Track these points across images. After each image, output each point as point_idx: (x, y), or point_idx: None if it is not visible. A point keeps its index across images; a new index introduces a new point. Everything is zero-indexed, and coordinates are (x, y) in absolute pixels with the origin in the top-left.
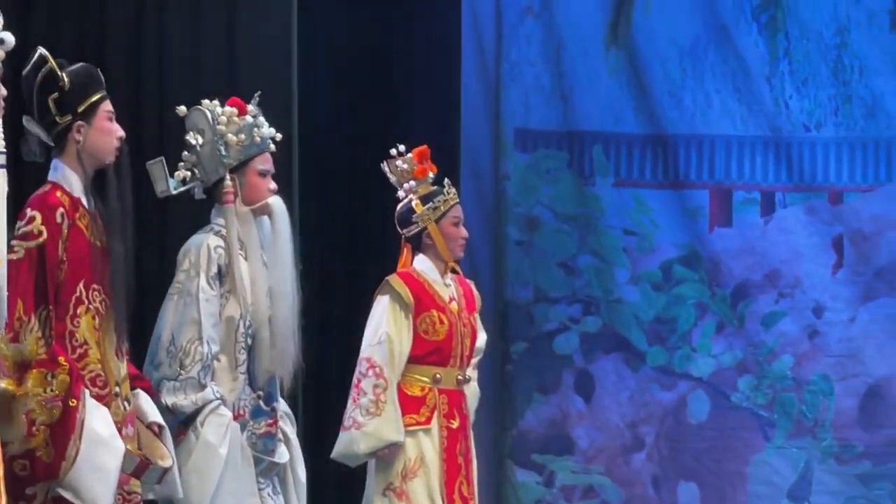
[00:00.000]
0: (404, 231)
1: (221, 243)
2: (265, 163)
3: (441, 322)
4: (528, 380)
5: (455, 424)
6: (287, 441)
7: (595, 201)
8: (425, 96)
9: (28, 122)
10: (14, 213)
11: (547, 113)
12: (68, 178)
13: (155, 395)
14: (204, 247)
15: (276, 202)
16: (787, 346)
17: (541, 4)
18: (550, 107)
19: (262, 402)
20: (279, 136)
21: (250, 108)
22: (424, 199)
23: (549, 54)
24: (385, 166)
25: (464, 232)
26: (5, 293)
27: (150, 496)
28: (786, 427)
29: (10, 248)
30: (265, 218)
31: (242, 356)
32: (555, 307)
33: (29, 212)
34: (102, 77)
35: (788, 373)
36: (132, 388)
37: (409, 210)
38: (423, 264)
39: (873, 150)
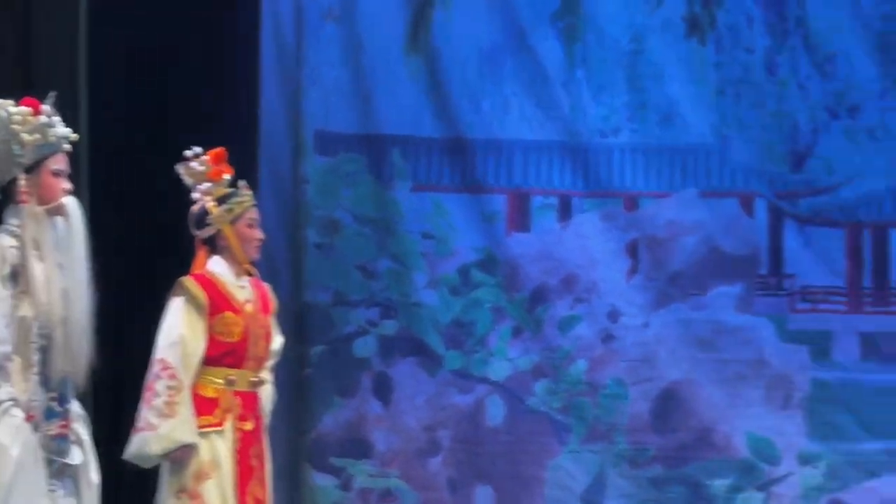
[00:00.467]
0: (199, 233)
1: (15, 243)
2: (60, 163)
3: (236, 324)
4: (327, 383)
5: (249, 427)
6: (80, 442)
7: (394, 205)
8: (224, 98)
9: None
10: None
11: (347, 116)
12: None
13: None
14: None
15: (71, 202)
16: (583, 351)
17: (341, 7)
18: (350, 110)
19: (55, 404)
20: (75, 136)
21: (45, 107)
22: (220, 201)
23: (350, 57)
24: (180, 168)
25: (259, 234)
26: None
27: None
28: (580, 431)
29: None
30: (59, 218)
31: (36, 357)
32: (353, 310)
33: None
34: None
35: (583, 377)
36: None
37: (204, 212)
38: (218, 266)
39: (668, 157)
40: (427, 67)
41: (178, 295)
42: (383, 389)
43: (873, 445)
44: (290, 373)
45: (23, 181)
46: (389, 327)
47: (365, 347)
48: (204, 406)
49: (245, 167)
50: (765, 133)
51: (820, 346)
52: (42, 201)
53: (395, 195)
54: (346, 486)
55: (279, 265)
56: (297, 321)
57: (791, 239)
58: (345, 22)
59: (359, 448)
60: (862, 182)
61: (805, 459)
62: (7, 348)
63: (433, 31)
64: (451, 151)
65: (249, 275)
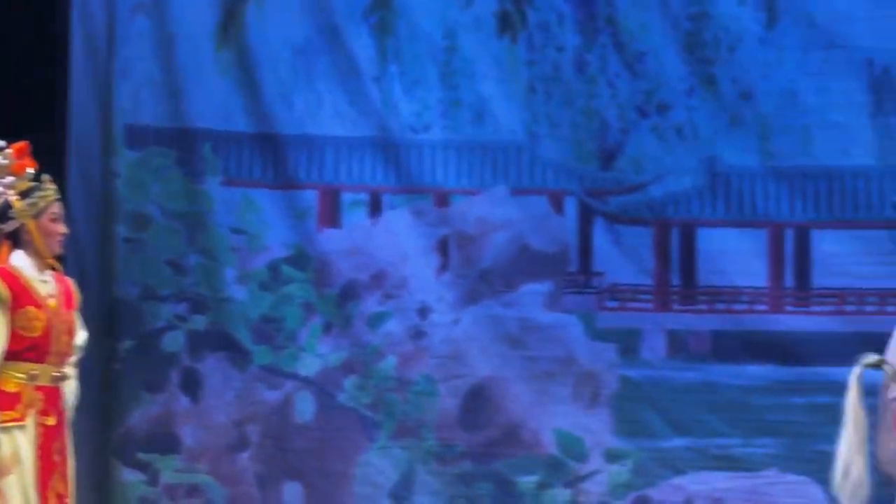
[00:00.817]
0: (2, 227)
1: None
2: None
3: (38, 319)
4: (135, 378)
5: (51, 422)
6: None
7: (204, 200)
8: (31, 91)
9: None
10: None
11: (157, 110)
12: None
13: None
14: None
15: None
16: (393, 347)
17: (153, 0)
18: (161, 104)
19: None
20: None
21: None
22: (23, 195)
23: (161, 51)
24: None
25: (62, 228)
26: None
27: None
28: (390, 427)
29: None
30: None
31: None
32: (163, 305)
33: None
34: None
35: (393, 373)
36: None
37: (7, 206)
38: (20, 260)
39: (479, 154)
40: (239, 62)
41: None
42: (192, 384)
43: (679, 442)
44: (99, 367)
45: None
46: (199, 322)
47: (174, 342)
48: (5, 401)
49: (54, 161)
50: (575, 131)
51: (628, 343)
52: None
53: (206, 190)
54: (153, 482)
55: (88, 259)
56: (106, 316)
57: (600, 237)
58: (156, 15)
59: (167, 443)
60: (670, 180)
61: (612, 456)
62: None
63: (245, 25)
64: (263, 147)
65: (53, 269)
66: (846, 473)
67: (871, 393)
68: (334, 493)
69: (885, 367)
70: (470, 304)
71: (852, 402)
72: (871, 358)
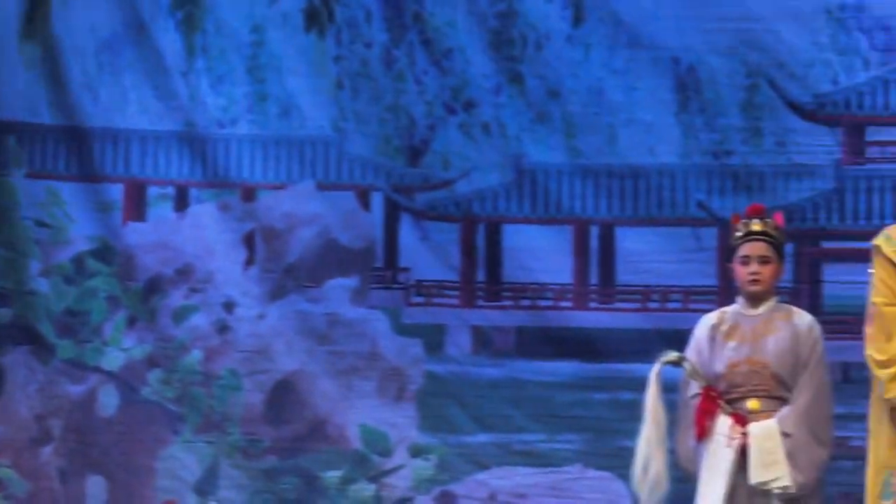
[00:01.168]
0: None
1: None
2: None
3: None
4: None
5: None
6: None
7: (8, 192)
8: None
9: None
10: None
11: None
12: None
13: None
14: None
15: None
16: (198, 341)
17: None
18: None
19: None
20: None
21: None
22: None
23: None
24: None
25: None
26: None
27: None
28: (194, 421)
29: None
30: None
31: None
32: None
33: None
34: None
35: (198, 367)
36: None
37: None
38: None
39: (286, 149)
40: (44, 55)
41: None
42: None
43: (484, 438)
44: None
45: None
46: (2, 315)
47: None
48: None
49: None
50: (382, 127)
51: (433, 339)
52: None
53: (10, 182)
54: None
55: None
56: None
57: (406, 233)
58: None
59: None
60: (477, 177)
61: (417, 451)
62: None
63: (51, 18)
64: (68, 139)
65: None
66: (646, 469)
67: (671, 389)
68: (138, 487)
69: (685, 364)
70: (276, 299)
71: (652, 398)
72: (671, 355)
